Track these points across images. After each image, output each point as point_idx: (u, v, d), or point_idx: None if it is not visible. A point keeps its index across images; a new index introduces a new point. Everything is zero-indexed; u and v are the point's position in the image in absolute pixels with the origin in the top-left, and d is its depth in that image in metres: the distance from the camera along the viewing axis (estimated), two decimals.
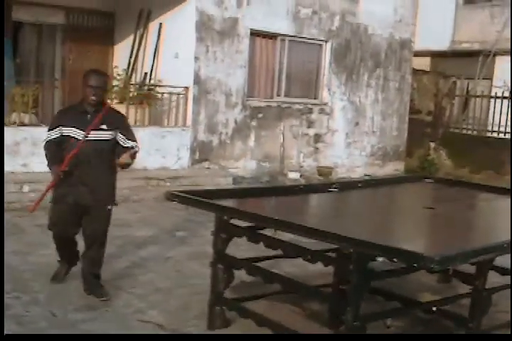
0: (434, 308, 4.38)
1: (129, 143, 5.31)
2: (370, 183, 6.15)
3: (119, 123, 5.38)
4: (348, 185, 5.84)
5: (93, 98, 5.16)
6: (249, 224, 4.50)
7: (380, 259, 3.41)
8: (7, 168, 9.44)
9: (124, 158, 5.18)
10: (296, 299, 5.22)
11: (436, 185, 6.33)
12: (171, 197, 4.53)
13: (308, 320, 5.01)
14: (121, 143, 5.29)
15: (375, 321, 4.16)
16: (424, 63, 17.48)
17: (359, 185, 5.96)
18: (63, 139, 5.21)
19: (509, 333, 4.48)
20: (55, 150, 5.24)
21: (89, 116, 5.21)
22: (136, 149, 5.35)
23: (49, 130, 5.29)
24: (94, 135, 5.18)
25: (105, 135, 5.23)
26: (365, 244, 3.35)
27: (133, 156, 5.26)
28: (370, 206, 5.25)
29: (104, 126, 5.22)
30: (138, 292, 5.51)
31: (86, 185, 5.23)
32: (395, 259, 3.28)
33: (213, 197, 4.64)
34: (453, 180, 7.18)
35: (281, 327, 4.28)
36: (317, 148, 13.41)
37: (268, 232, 4.45)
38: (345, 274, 4.59)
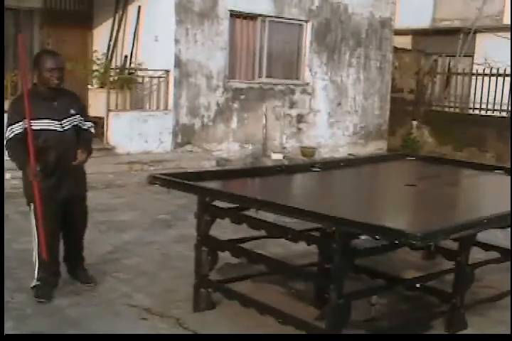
0: (418, 285, 4.41)
1: (87, 125, 5.08)
2: (352, 162, 6.17)
3: (79, 104, 5.14)
4: (330, 165, 5.83)
5: (56, 82, 4.77)
6: (233, 206, 4.50)
7: (363, 237, 3.42)
8: None
9: (83, 157, 4.85)
10: (282, 279, 5.24)
11: (418, 163, 6.36)
12: (153, 180, 4.51)
13: (294, 300, 5.03)
14: (80, 124, 5.00)
15: (359, 299, 4.19)
16: (405, 41, 17.47)
17: (341, 164, 5.96)
18: (35, 133, 4.66)
19: (509, 333, 4.51)
20: (22, 148, 4.64)
21: (55, 103, 4.84)
22: (92, 130, 5.17)
23: (10, 124, 4.67)
24: (68, 122, 4.88)
25: (75, 120, 4.96)
26: (347, 222, 3.36)
27: (88, 155, 4.94)
28: (352, 185, 5.26)
29: (72, 111, 4.93)
30: (123, 276, 5.50)
31: (71, 175, 4.92)
32: (377, 237, 3.30)
33: (195, 179, 4.63)
34: (434, 158, 7.21)
35: (266, 308, 4.29)
36: (300, 129, 13.40)
37: (251, 213, 4.45)
38: (329, 253, 4.64)
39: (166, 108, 11.35)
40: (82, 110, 5.15)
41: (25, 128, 4.62)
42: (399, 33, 15.77)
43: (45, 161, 4.77)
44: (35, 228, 4.89)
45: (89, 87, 11.48)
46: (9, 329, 4.28)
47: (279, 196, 4.38)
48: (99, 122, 10.91)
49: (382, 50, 14.69)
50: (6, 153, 4.75)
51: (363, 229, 3.32)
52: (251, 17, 12.39)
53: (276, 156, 12.38)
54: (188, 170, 9.57)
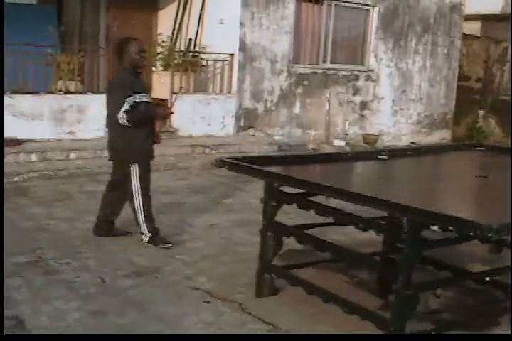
0: (488, 278, 4.27)
1: None
2: (420, 151, 6.01)
3: None
4: (397, 153, 5.69)
5: (144, 63, 5.71)
6: (298, 191, 4.44)
7: (435, 228, 3.31)
8: (53, 135, 9.52)
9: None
10: (344, 267, 5.17)
11: (488, 153, 6.15)
12: (221, 163, 4.47)
13: (356, 289, 4.95)
14: None
15: (426, 290, 4.08)
16: (474, 28, 17.00)
17: (408, 152, 5.82)
18: (134, 106, 5.45)
19: (509, 333, 4.33)
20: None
21: (141, 79, 5.74)
22: None
23: (124, 98, 5.38)
24: (148, 96, 5.73)
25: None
26: (421, 212, 3.26)
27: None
28: (422, 174, 5.12)
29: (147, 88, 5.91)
30: (186, 259, 5.50)
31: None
32: (450, 228, 3.19)
33: (262, 163, 4.56)
34: (505, 148, 6.97)
35: (330, 295, 4.23)
36: (363, 116, 13.23)
37: (316, 199, 4.38)
38: (395, 242, 4.54)
39: (229, 92, 11.33)
40: None
41: (134, 102, 5.42)
42: (467, 18, 15.33)
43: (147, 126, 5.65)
44: (138, 189, 5.66)
45: (153, 69, 11.54)
46: (74, 308, 4.33)
47: (349, 183, 4.30)
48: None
49: (451, 37, 14.35)
50: (125, 121, 5.41)
51: (436, 219, 3.21)
52: (317, 1, 12.24)
53: (339, 143, 12.25)
54: (250, 155, 9.60)
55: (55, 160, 8.92)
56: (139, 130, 5.56)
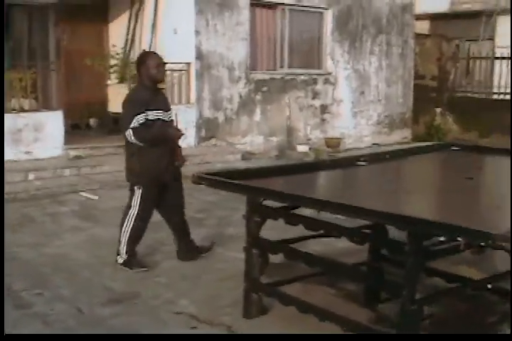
0: (489, 285, 4.10)
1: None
2: (398, 154, 5.82)
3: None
4: (375, 158, 5.49)
5: (163, 77, 5.60)
6: (281, 205, 4.21)
7: (441, 238, 3.13)
8: (10, 156, 9.12)
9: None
10: (327, 280, 4.96)
11: (465, 153, 6.02)
12: (199, 180, 4.21)
13: (345, 302, 4.77)
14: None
15: (431, 303, 3.89)
16: (423, 27, 17.03)
17: (387, 156, 5.63)
18: (147, 123, 5.20)
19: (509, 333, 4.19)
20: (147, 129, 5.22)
21: (159, 96, 5.50)
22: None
23: (133, 115, 5.13)
24: (170, 114, 5.47)
25: (171, 113, 5.52)
26: (426, 222, 3.06)
27: None
28: (409, 179, 4.94)
29: (169, 106, 5.56)
30: (164, 280, 5.23)
31: (172, 165, 5.44)
32: (459, 238, 3.01)
33: (241, 177, 4.31)
34: (480, 147, 6.87)
35: (326, 313, 4.01)
36: (324, 120, 13.08)
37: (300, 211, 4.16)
38: (381, 252, 4.36)
39: (188, 101, 11.05)
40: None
41: (146, 119, 5.17)
42: (417, 18, 15.34)
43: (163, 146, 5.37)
44: (135, 213, 5.36)
45: (108, 82, 11.20)
46: None
47: (337, 195, 4.08)
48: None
49: (404, 36, 14.35)
50: (132, 138, 5.15)
51: (444, 230, 3.02)
52: (270, 6, 12.08)
53: (302, 148, 12.07)
54: (214, 165, 9.38)
55: (14, 182, 8.51)
56: (152, 150, 5.26)
